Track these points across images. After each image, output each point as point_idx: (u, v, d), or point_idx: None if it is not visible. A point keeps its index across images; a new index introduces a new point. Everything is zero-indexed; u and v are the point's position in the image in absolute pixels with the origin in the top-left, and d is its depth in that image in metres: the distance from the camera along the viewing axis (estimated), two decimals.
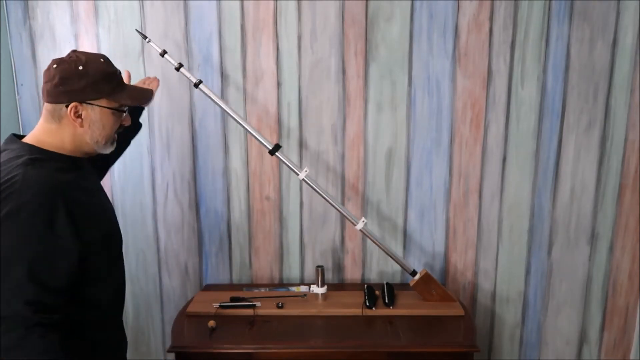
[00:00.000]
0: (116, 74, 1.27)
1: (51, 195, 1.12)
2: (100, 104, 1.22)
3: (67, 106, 1.20)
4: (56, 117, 1.21)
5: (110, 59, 1.29)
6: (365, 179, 2.13)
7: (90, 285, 1.23)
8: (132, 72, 2.05)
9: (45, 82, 1.22)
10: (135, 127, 1.71)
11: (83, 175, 1.27)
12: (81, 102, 1.20)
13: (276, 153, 1.82)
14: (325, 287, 1.98)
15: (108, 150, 1.30)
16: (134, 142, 2.13)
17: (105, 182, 2.14)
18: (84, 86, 1.19)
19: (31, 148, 1.20)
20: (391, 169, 2.11)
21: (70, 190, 1.17)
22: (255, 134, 1.84)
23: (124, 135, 1.54)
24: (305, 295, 1.98)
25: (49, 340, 1.09)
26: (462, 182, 2.11)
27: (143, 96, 1.34)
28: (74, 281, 1.17)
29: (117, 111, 1.26)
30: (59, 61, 1.21)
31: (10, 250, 1.07)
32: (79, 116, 1.21)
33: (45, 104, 1.23)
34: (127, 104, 1.28)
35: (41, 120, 1.24)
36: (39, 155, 1.18)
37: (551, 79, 2.02)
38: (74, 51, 1.26)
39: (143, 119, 2.10)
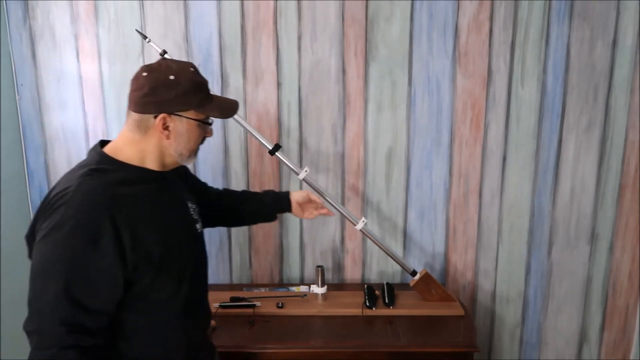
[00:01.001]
0: (205, 84, 1.19)
1: (100, 211, 1.05)
2: (188, 116, 1.15)
3: (155, 117, 1.12)
4: (142, 128, 1.14)
5: (197, 67, 1.21)
6: (365, 179, 2.13)
7: (138, 313, 1.15)
8: (132, 72, 2.06)
9: (133, 91, 1.14)
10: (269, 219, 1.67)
11: (156, 188, 1.19)
12: (170, 113, 1.13)
13: (276, 153, 1.82)
14: (325, 287, 1.98)
15: (190, 162, 1.24)
16: None
17: None
18: (174, 97, 1.12)
19: (101, 158, 1.14)
20: (391, 169, 2.11)
21: (127, 205, 1.09)
22: (255, 133, 1.84)
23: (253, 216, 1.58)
24: (305, 295, 1.98)
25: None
26: (462, 182, 2.11)
27: (230, 108, 1.24)
28: (116, 305, 1.10)
29: (204, 123, 1.19)
30: (149, 69, 1.14)
31: (49, 264, 1.03)
32: (167, 128, 1.13)
33: (131, 112, 1.15)
34: (215, 116, 1.21)
35: (125, 129, 1.17)
36: (104, 166, 1.12)
37: (551, 79, 2.02)
38: (164, 59, 1.20)
39: None
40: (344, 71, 2.04)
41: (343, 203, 2.13)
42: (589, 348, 2.25)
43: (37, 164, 2.16)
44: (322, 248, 2.19)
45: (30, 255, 1.11)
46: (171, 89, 1.12)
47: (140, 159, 1.16)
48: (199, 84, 1.17)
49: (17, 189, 2.12)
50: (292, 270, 2.21)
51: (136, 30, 1.93)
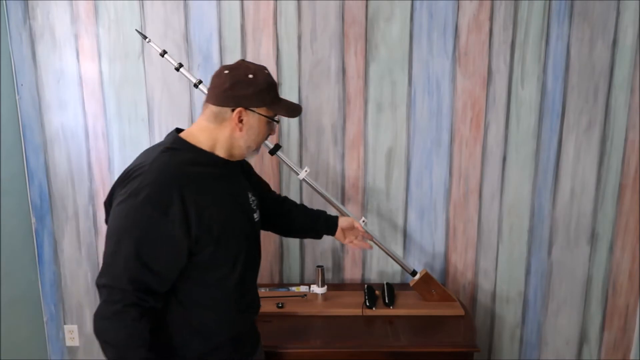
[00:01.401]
0: (276, 85, 1.32)
1: (171, 184, 1.16)
2: (260, 112, 1.27)
3: (232, 110, 1.24)
4: (219, 119, 1.26)
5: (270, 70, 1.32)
6: (365, 179, 2.13)
7: (195, 285, 1.25)
8: (132, 72, 2.07)
9: (214, 87, 1.26)
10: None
11: (220, 173, 1.29)
12: (246, 108, 1.25)
13: (276, 153, 1.82)
14: (325, 287, 1.98)
15: (252, 156, 1.36)
16: (133, 142, 2.14)
17: (106, 182, 2.15)
18: (251, 93, 1.24)
19: (175, 140, 1.26)
20: (391, 169, 2.11)
21: (195, 182, 1.20)
22: None
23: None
24: (305, 295, 1.98)
25: (139, 326, 1.14)
26: (462, 182, 2.11)
27: (295, 109, 1.35)
28: (178, 273, 1.20)
29: (272, 121, 1.31)
30: (230, 67, 1.27)
31: (124, 226, 1.14)
32: (241, 121, 1.25)
33: (210, 105, 1.26)
34: (282, 114, 1.32)
35: (201, 119, 1.28)
36: (179, 146, 1.25)
37: (551, 79, 2.02)
38: (242, 60, 1.32)
39: (142, 118, 2.11)
40: (344, 71, 2.04)
41: (343, 203, 2.13)
42: (589, 348, 2.25)
43: (37, 164, 2.16)
44: (322, 248, 2.19)
45: (107, 220, 1.25)
46: (249, 86, 1.24)
47: (211, 146, 1.27)
48: (272, 84, 1.30)
49: (17, 189, 2.12)
50: (292, 270, 2.21)
51: (136, 30, 1.93)
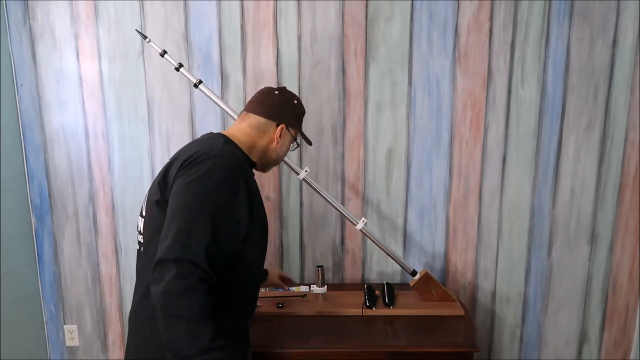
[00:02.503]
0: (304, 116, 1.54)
1: (241, 170, 1.29)
2: (292, 133, 1.47)
3: (277, 125, 1.42)
4: (262, 129, 1.42)
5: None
6: (365, 179, 2.13)
7: (239, 269, 1.31)
8: (132, 72, 2.07)
9: (263, 102, 1.44)
10: None
11: (253, 176, 1.40)
12: (287, 126, 1.45)
13: None
14: (325, 287, 1.98)
15: (269, 169, 1.51)
16: (133, 142, 2.14)
17: (106, 182, 2.15)
18: (294, 115, 1.47)
19: (226, 137, 1.37)
20: (391, 169, 2.11)
21: (250, 175, 1.34)
22: None
23: None
24: (305, 295, 1.98)
25: (209, 301, 1.16)
26: (462, 182, 2.11)
27: (310, 140, 1.59)
28: (233, 254, 1.26)
29: (295, 143, 1.53)
30: (279, 90, 1.47)
31: (199, 203, 1.18)
32: (280, 135, 1.43)
33: (256, 116, 1.42)
34: (305, 139, 1.56)
35: (242, 125, 1.42)
36: (232, 142, 1.36)
37: (551, 79, 2.02)
38: (285, 87, 1.51)
39: (142, 118, 2.11)
40: (344, 71, 2.04)
41: (343, 203, 2.13)
42: (589, 348, 2.25)
43: (37, 164, 2.16)
44: (322, 248, 2.19)
45: (163, 197, 1.27)
46: (294, 109, 1.47)
47: (248, 150, 1.40)
48: (303, 114, 1.53)
49: (17, 189, 2.13)
50: (292, 270, 2.21)
51: (136, 30, 1.93)
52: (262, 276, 1.49)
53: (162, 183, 1.29)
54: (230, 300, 1.31)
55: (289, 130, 1.46)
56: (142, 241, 1.35)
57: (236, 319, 1.36)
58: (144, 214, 1.35)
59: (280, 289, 1.96)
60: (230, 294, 1.31)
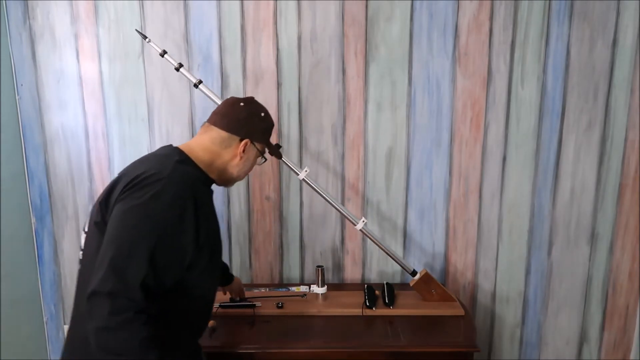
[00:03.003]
0: (273, 129, 1.47)
1: (190, 193, 1.19)
2: (258, 147, 1.40)
3: (241, 140, 1.35)
4: (225, 144, 1.34)
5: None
6: (365, 179, 2.13)
7: (185, 296, 1.24)
8: (132, 72, 2.07)
9: (227, 115, 1.36)
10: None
11: (210, 194, 1.34)
12: (252, 141, 1.37)
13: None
14: (325, 287, 1.98)
15: (231, 184, 1.45)
16: (133, 142, 2.14)
17: (106, 182, 2.15)
18: (261, 129, 1.39)
19: (182, 154, 1.29)
20: (391, 169, 2.11)
21: (202, 197, 1.24)
22: None
23: None
24: (304, 295, 1.98)
25: (150, 330, 1.08)
26: (462, 182, 2.11)
27: (279, 153, 1.56)
28: (175, 282, 1.18)
29: (262, 157, 1.45)
30: (245, 101, 1.39)
31: (140, 230, 1.11)
32: (244, 150, 1.36)
33: (218, 130, 1.35)
34: (272, 154, 1.51)
35: (203, 139, 1.35)
36: (187, 162, 1.28)
37: (551, 79, 2.02)
38: (253, 98, 1.45)
39: (142, 118, 2.11)
40: (344, 71, 2.04)
41: (343, 203, 2.13)
42: (589, 348, 2.25)
43: (37, 164, 2.16)
44: (322, 248, 2.19)
45: (100, 220, 1.20)
46: (261, 122, 1.39)
47: (207, 167, 1.33)
48: (272, 128, 1.46)
49: (17, 189, 2.13)
50: (292, 270, 2.21)
51: (136, 30, 1.93)
52: (213, 298, 1.38)
53: (104, 203, 1.21)
54: (178, 321, 1.24)
55: (254, 145, 1.39)
56: (81, 259, 1.29)
57: (186, 339, 1.30)
58: (86, 229, 1.27)
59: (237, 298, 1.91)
60: (179, 316, 1.24)
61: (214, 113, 1.39)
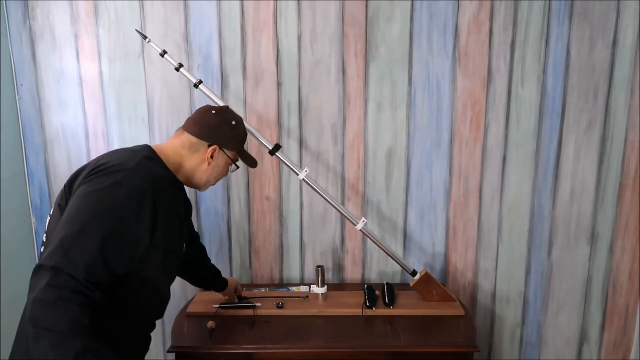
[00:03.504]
0: (246, 138, 1.52)
1: (151, 189, 1.21)
2: (228, 154, 1.45)
3: (209, 145, 1.40)
4: (193, 149, 1.40)
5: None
6: (365, 179, 2.13)
7: (133, 293, 1.26)
8: (132, 72, 2.07)
9: (199, 121, 1.42)
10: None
11: (177, 195, 1.40)
12: (220, 147, 1.42)
13: (276, 153, 1.82)
14: (325, 287, 1.98)
15: (204, 189, 1.49)
16: (133, 142, 2.14)
17: None
18: (230, 137, 1.43)
19: (153, 152, 1.35)
20: (391, 169, 2.11)
21: (164, 195, 1.26)
22: (256, 133, 1.84)
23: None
24: (307, 296, 1.98)
25: (84, 313, 1.06)
26: (462, 182, 2.11)
27: (254, 162, 1.57)
28: (126, 276, 1.19)
29: (234, 165, 1.49)
30: (217, 109, 1.44)
31: (95, 213, 1.13)
32: (212, 157, 1.41)
33: (188, 134, 1.40)
34: (245, 162, 1.54)
35: (175, 142, 1.41)
36: (156, 159, 1.33)
37: (551, 79, 2.02)
38: (227, 106, 1.51)
39: (142, 118, 2.11)
40: (344, 71, 2.04)
41: (343, 203, 2.13)
42: (589, 348, 2.25)
43: (37, 164, 2.16)
44: (322, 248, 2.19)
45: (64, 200, 1.24)
46: (232, 130, 1.44)
47: (175, 168, 1.38)
48: (245, 136, 1.50)
49: (17, 189, 2.12)
50: (292, 270, 2.21)
51: (136, 30, 1.93)
52: (167, 295, 1.41)
53: (68, 186, 1.26)
54: (128, 313, 1.26)
55: (224, 152, 1.43)
56: (44, 241, 1.32)
57: (134, 332, 1.33)
58: (50, 213, 1.32)
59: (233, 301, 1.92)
60: (130, 308, 1.26)
61: (188, 119, 1.45)
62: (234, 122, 1.45)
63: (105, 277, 1.12)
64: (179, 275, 1.73)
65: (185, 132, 1.41)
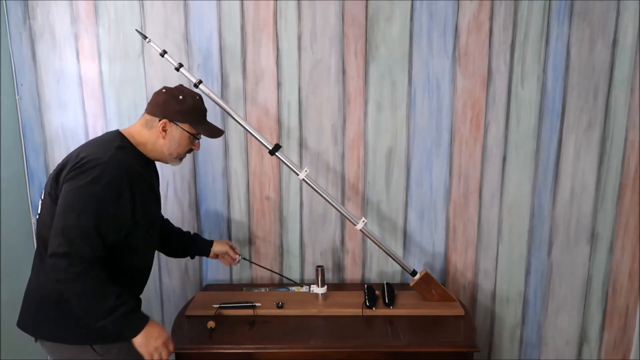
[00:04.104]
0: (203, 112, 1.62)
1: (126, 177, 1.43)
2: (182, 127, 1.56)
3: (159, 120, 1.53)
4: (149, 126, 1.55)
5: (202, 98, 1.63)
6: (365, 179, 2.13)
7: (126, 255, 1.50)
8: (132, 72, 2.07)
9: (151, 100, 1.57)
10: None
11: (150, 173, 1.61)
12: (170, 120, 1.54)
13: (276, 153, 1.82)
14: (325, 287, 1.98)
15: (175, 164, 1.64)
16: None
17: None
18: (177, 110, 1.54)
19: (123, 139, 1.53)
20: (391, 169, 2.11)
21: (138, 179, 1.48)
22: (255, 134, 1.84)
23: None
24: (310, 288, 1.98)
25: (99, 274, 1.37)
26: (462, 182, 2.11)
27: (215, 132, 1.64)
28: (117, 243, 1.44)
29: (193, 137, 1.59)
30: (167, 88, 1.58)
31: (84, 204, 1.37)
32: (164, 130, 1.54)
33: (146, 114, 1.56)
34: (203, 134, 1.61)
35: (138, 124, 1.57)
36: (127, 145, 1.52)
37: (551, 79, 2.02)
38: (181, 85, 1.62)
39: None
40: (344, 71, 2.04)
41: (343, 203, 2.13)
42: (589, 348, 2.25)
43: (37, 164, 2.16)
44: (322, 248, 2.19)
45: (53, 193, 1.45)
46: (178, 104, 1.54)
47: (143, 147, 1.56)
48: (199, 108, 1.60)
49: (17, 189, 2.12)
50: (292, 270, 2.21)
51: (136, 30, 1.93)
52: (150, 259, 1.66)
53: (55, 179, 1.46)
54: (122, 275, 1.47)
55: (177, 125, 1.55)
56: (37, 221, 1.54)
57: (131, 288, 1.55)
58: (42, 196, 1.53)
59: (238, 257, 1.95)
60: (122, 271, 1.49)
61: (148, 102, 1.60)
62: (181, 97, 1.55)
63: (103, 249, 1.40)
64: (162, 252, 1.89)
65: (145, 113, 1.57)
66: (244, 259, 1.97)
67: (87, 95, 2.10)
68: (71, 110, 2.11)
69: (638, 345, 2.22)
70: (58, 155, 2.14)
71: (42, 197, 1.53)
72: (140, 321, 1.45)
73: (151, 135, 1.55)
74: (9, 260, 2.05)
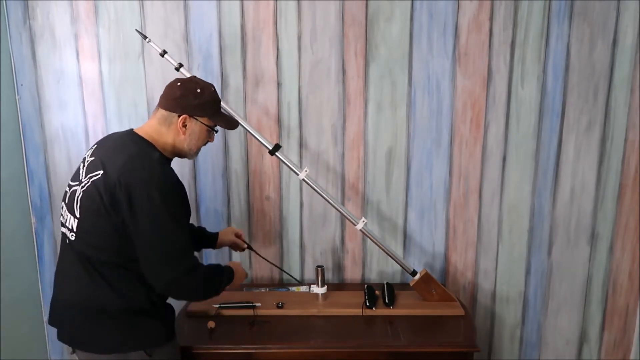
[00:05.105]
0: (219, 102, 1.59)
1: (178, 186, 1.46)
2: (202, 121, 1.52)
3: (179, 116, 1.49)
4: (167, 122, 1.50)
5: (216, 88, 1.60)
6: (365, 179, 2.13)
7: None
8: (132, 72, 2.07)
9: (166, 95, 1.51)
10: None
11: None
12: (190, 115, 1.49)
13: (276, 153, 1.82)
14: (325, 287, 1.98)
15: (192, 158, 1.61)
16: None
17: None
18: (196, 104, 1.49)
19: (148, 146, 1.48)
20: (391, 169, 2.11)
21: (176, 183, 1.48)
22: (255, 134, 1.84)
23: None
24: (301, 283, 1.98)
25: (198, 260, 1.50)
26: (462, 182, 2.11)
27: (232, 123, 1.62)
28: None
29: (211, 130, 1.57)
30: (182, 81, 1.52)
31: (169, 225, 1.41)
32: (185, 126, 1.50)
33: (161, 110, 1.50)
34: (221, 126, 1.59)
35: (153, 121, 1.52)
36: (160, 154, 1.49)
37: (551, 79, 2.02)
38: (194, 76, 1.59)
39: (142, 118, 2.11)
40: (344, 71, 2.04)
41: (343, 203, 2.13)
42: (589, 348, 2.25)
43: (37, 164, 2.16)
44: (322, 248, 2.19)
45: (115, 213, 1.40)
46: (196, 98, 1.49)
47: (162, 147, 1.51)
48: (216, 100, 1.56)
49: (17, 189, 2.12)
50: (292, 270, 2.21)
51: (136, 30, 1.93)
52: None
53: (114, 204, 1.39)
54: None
55: (196, 119, 1.51)
56: (72, 238, 1.46)
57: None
58: (76, 214, 1.44)
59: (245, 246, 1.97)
60: None
61: (160, 96, 1.53)
62: (198, 90, 1.50)
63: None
64: None
65: (159, 108, 1.51)
66: (250, 248, 1.96)
67: (87, 95, 2.10)
68: (71, 110, 2.11)
69: (638, 345, 2.22)
70: (58, 155, 2.14)
71: (77, 213, 1.44)
72: (230, 269, 1.64)
73: (169, 133, 1.50)
74: (9, 260, 2.05)
